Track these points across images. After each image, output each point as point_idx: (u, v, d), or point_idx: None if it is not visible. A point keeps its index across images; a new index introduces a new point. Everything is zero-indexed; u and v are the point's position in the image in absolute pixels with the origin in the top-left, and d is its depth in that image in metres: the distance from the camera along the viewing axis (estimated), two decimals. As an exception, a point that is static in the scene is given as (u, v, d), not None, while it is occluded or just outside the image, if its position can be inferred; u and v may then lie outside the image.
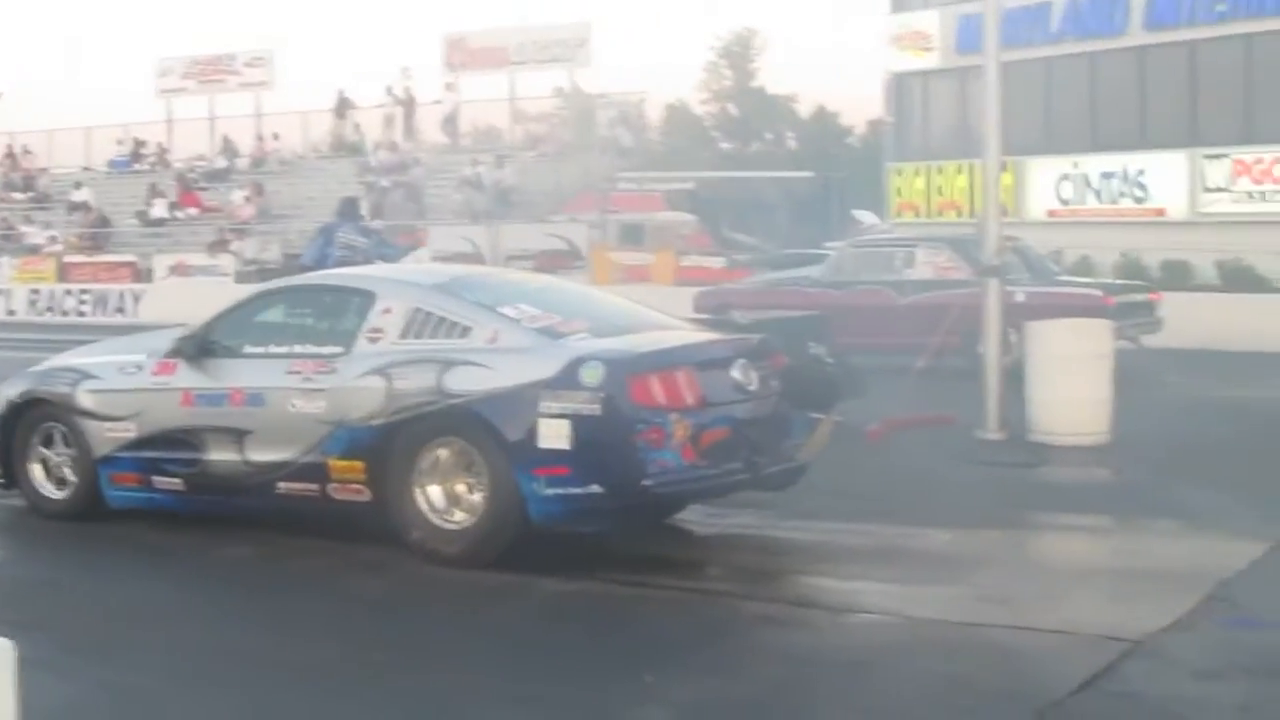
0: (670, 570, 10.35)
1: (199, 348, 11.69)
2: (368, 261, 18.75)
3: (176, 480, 11.65)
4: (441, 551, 10.38)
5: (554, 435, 10.01)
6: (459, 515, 10.47)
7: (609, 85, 53.60)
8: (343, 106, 53.75)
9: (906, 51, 45.74)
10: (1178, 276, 33.73)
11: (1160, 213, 39.14)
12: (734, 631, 9.01)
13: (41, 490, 12.35)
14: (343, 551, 10.89)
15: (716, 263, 40.18)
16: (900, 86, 47.03)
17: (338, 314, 11.41)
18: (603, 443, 10.02)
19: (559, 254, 38.99)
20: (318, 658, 8.51)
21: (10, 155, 58.51)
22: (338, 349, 11.05)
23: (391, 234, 36.83)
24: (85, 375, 12.25)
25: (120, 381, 12.00)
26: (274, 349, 11.42)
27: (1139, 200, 39.80)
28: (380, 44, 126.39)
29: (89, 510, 12.06)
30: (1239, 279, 32.95)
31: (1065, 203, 41.18)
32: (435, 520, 10.49)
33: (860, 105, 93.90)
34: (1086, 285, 24.15)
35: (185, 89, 56.05)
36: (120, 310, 40.99)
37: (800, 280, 24.66)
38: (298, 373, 11.07)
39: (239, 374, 11.43)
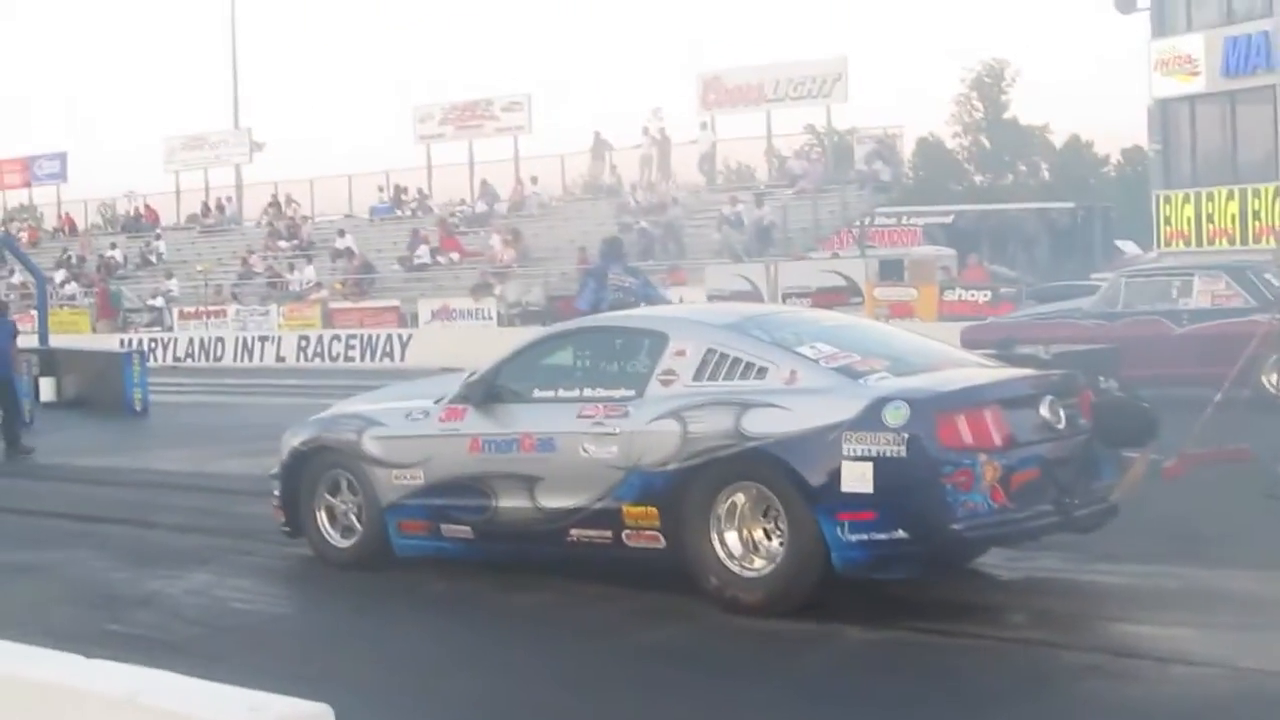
0: (978, 618, 9.91)
1: (486, 392, 11.49)
2: (638, 303, 18.54)
3: (465, 528, 11.45)
4: (741, 599, 10.05)
5: (858, 478, 9.64)
6: (758, 562, 10.14)
7: (861, 120, 53.10)
8: (599, 148, 53.95)
9: (1171, 76, 44.57)
10: None
11: None
12: (1058, 683, 8.55)
13: (328, 539, 12.26)
14: (636, 599, 10.58)
15: (981, 296, 39.48)
16: (1165, 112, 45.84)
17: (628, 356, 11.16)
18: (909, 486, 9.62)
19: (837, 290, 38.57)
20: (624, 710, 8.29)
21: (275, 204, 59.65)
22: (629, 392, 10.78)
23: (653, 274, 36.84)
24: (372, 422, 12.12)
25: (407, 428, 11.85)
26: (563, 393, 11.19)
27: None
28: (635, 84, 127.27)
29: (375, 559, 11.92)
30: None
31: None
32: (733, 567, 10.17)
33: (1115, 133, 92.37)
34: None
35: (444, 135, 56.70)
36: (388, 355, 41.36)
37: (1072, 312, 24.00)
38: (589, 417, 10.81)
39: (528, 419, 11.21)
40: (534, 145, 55.70)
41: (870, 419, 9.70)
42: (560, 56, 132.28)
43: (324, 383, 33.53)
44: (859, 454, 9.65)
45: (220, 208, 62.50)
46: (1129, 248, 61.96)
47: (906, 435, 9.59)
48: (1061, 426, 10.39)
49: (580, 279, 21.11)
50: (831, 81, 49.66)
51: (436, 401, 11.85)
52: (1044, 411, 10.32)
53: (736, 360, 10.52)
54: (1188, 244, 43.49)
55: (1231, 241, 41.98)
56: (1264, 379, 19.79)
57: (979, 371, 10.90)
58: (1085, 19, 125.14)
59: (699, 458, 10.26)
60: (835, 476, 9.70)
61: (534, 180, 54.35)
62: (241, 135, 63.90)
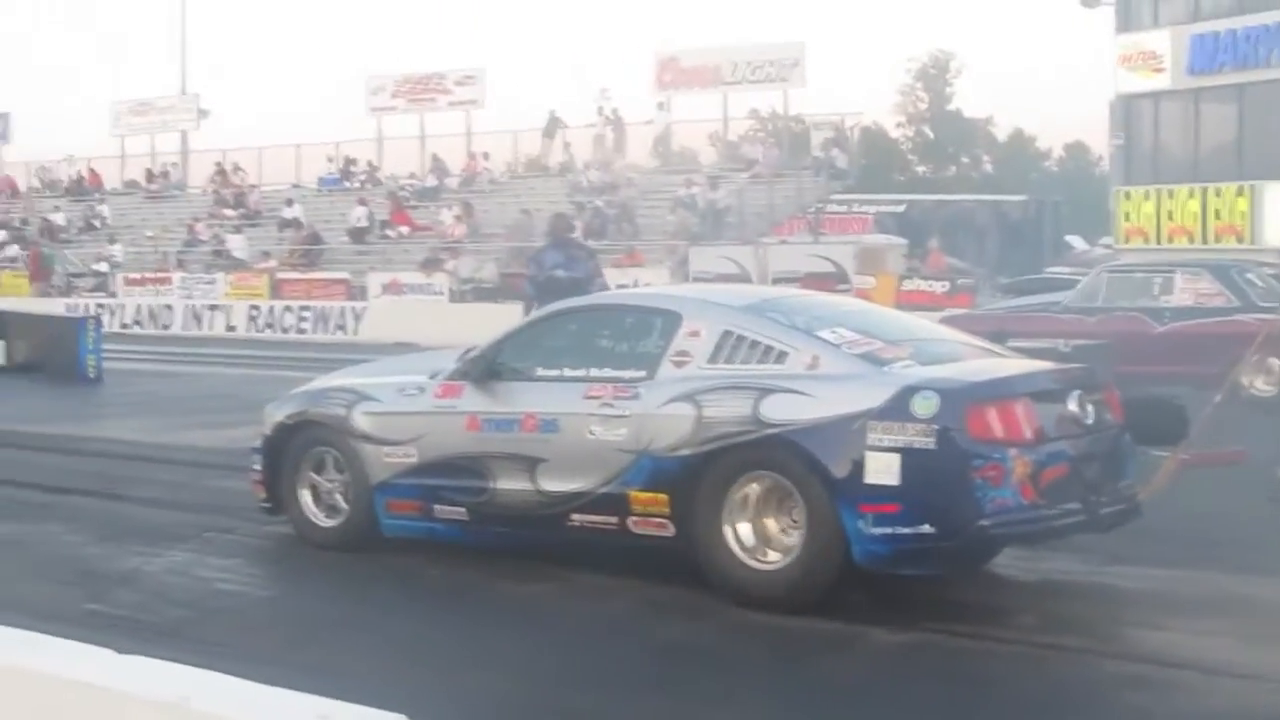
0: (1005, 621, 9.46)
1: (486, 369, 11.01)
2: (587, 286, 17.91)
3: (460, 509, 10.94)
4: (753, 594, 9.59)
5: (883, 470, 9.18)
6: (772, 555, 9.68)
7: (808, 106, 52.67)
8: (553, 126, 53.35)
9: (1136, 72, 44.47)
10: None
11: None
12: (1104, 693, 8.11)
13: (311, 518, 11.72)
14: (640, 592, 10.05)
15: (939, 287, 39.24)
16: (1128, 108, 45.76)
17: (639, 336, 10.64)
18: (937, 479, 9.17)
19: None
20: (649, 713, 7.80)
21: (221, 172, 58.87)
22: (640, 373, 10.29)
23: (609, 255, 36.31)
24: (362, 397, 11.59)
25: (401, 404, 11.34)
26: (569, 372, 10.68)
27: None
28: (592, 62, 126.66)
29: (361, 540, 11.38)
30: None
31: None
32: (746, 559, 9.70)
33: (1058, 128, 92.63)
34: None
35: (396, 107, 56.06)
36: (341, 328, 40.70)
37: (1052, 306, 23.62)
38: (597, 397, 10.32)
39: (531, 398, 10.71)
40: (487, 121, 55.15)
41: (898, 408, 9.26)
42: (516, 31, 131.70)
43: (277, 354, 33.04)
44: (885, 444, 9.21)
45: (165, 174, 61.66)
46: (1077, 242, 62.03)
47: (936, 427, 9.15)
48: (1090, 422, 10.01)
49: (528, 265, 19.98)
50: (789, 66, 49.34)
51: (432, 377, 11.35)
52: (1072, 406, 9.93)
53: (755, 343, 10.06)
54: (1147, 241, 43.46)
55: (1192, 240, 41.97)
56: (1244, 380, 19.43)
57: (1006, 363, 10.51)
58: (1045, 12, 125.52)
59: (714, 443, 9.79)
60: (859, 467, 9.25)
61: (486, 156, 53.72)
62: (189, 101, 63.01)
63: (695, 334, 10.28)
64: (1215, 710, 7.78)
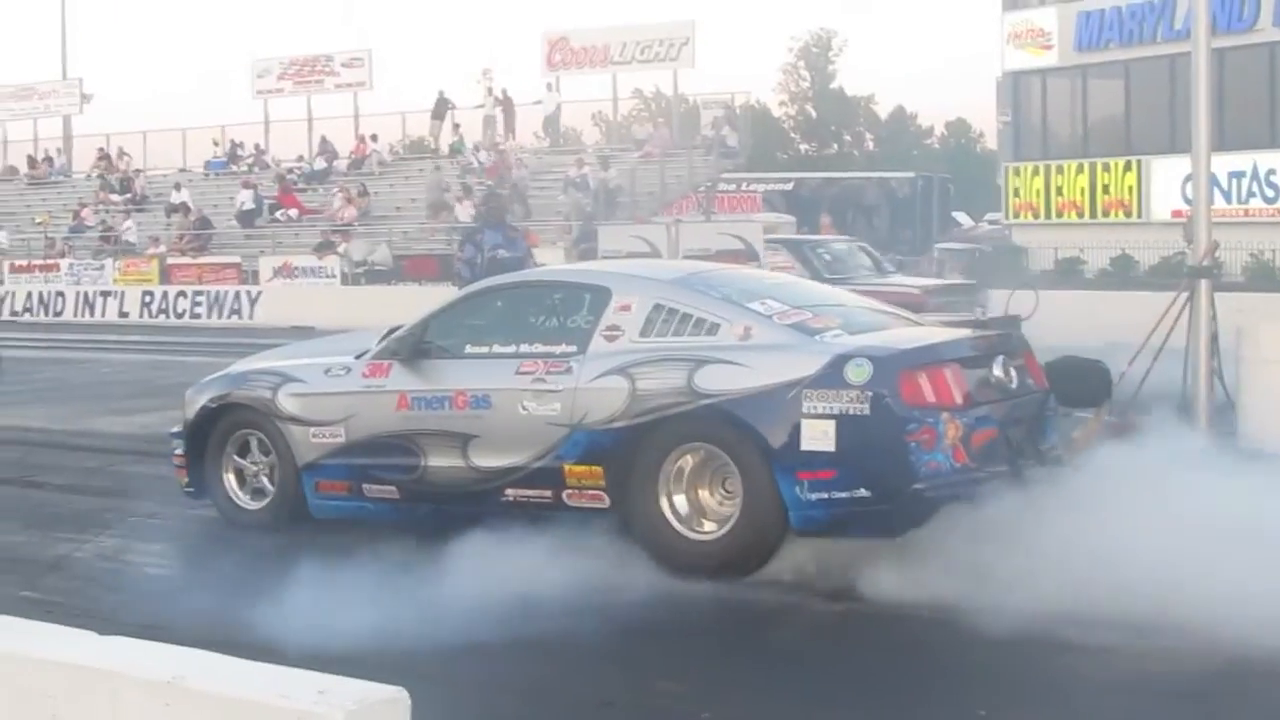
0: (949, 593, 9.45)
1: (414, 348, 11.03)
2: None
3: (391, 488, 10.95)
4: (690, 564, 9.68)
5: (819, 436, 9.34)
6: (708, 525, 9.80)
7: (694, 86, 52.70)
8: (441, 107, 53.13)
9: (1023, 49, 44.94)
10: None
11: (1293, 212, 38.42)
12: (1043, 656, 8.15)
13: (237, 501, 11.74)
14: (579, 568, 9.78)
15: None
16: (1016, 85, 46.22)
17: (568, 312, 10.70)
18: (872, 444, 9.34)
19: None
20: (607, 690, 7.87)
21: (105, 157, 58.22)
22: (571, 348, 10.36)
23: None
24: (287, 378, 11.58)
25: (327, 384, 11.33)
26: (499, 349, 10.72)
27: (1270, 200, 38.93)
28: (480, 43, 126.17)
29: (287, 521, 11.38)
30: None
31: (1191, 203, 40.18)
32: (683, 530, 9.80)
33: (939, 106, 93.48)
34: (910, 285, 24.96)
35: (282, 90, 55.58)
36: (236, 312, 40.40)
37: None
38: (529, 373, 10.37)
39: (461, 375, 10.75)
40: (374, 103, 54.91)
41: (832, 376, 9.41)
42: (403, 12, 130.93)
43: (173, 339, 32.80)
44: (820, 411, 9.37)
45: (49, 159, 60.94)
46: (963, 219, 62.60)
47: (870, 393, 9.33)
48: (1014, 386, 10.27)
49: (460, 248, 19.85)
50: (679, 45, 49.29)
51: (358, 357, 11.36)
52: (997, 371, 10.19)
53: (686, 316, 10.17)
54: (1037, 216, 43.95)
55: (1081, 214, 42.45)
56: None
57: (931, 331, 10.75)
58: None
59: (649, 415, 9.89)
60: (795, 435, 9.40)
61: (374, 138, 53.46)
62: (71, 85, 62.28)
63: (626, 308, 10.37)
64: (1171, 671, 7.85)
